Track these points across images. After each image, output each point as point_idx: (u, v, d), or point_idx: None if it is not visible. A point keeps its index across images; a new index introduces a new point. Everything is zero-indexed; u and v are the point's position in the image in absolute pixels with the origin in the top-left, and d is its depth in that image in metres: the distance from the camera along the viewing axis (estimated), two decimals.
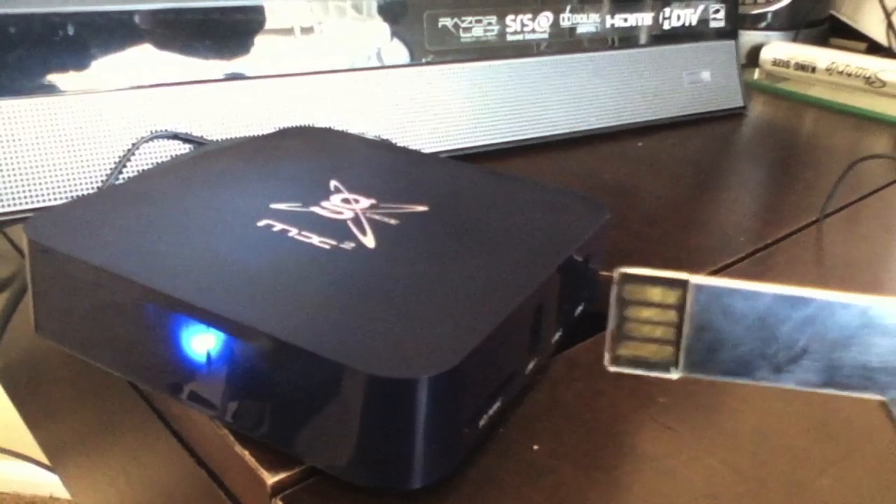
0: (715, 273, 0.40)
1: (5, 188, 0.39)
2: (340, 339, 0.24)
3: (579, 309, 0.34)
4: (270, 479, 0.25)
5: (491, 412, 0.27)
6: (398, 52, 0.50)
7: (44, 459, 0.55)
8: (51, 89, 0.40)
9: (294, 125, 0.43)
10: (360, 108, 0.49)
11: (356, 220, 0.32)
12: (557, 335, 0.32)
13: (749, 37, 0.79)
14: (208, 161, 0.37)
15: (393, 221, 0.32)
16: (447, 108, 0.52)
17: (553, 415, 0.29)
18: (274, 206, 0.32)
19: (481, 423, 0.26)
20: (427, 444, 0.24)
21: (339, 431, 0.24)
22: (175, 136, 0.43)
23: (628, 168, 0.54)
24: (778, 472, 0.26)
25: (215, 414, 0.26)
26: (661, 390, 0.30)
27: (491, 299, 0.27)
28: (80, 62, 0.41)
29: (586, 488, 0.25)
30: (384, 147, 0.41)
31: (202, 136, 0.44)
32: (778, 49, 0.77)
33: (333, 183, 0.35)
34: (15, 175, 0.40)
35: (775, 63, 0.77)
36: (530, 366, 0.29)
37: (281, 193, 0.33)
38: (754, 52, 0.79)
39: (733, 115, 0.67)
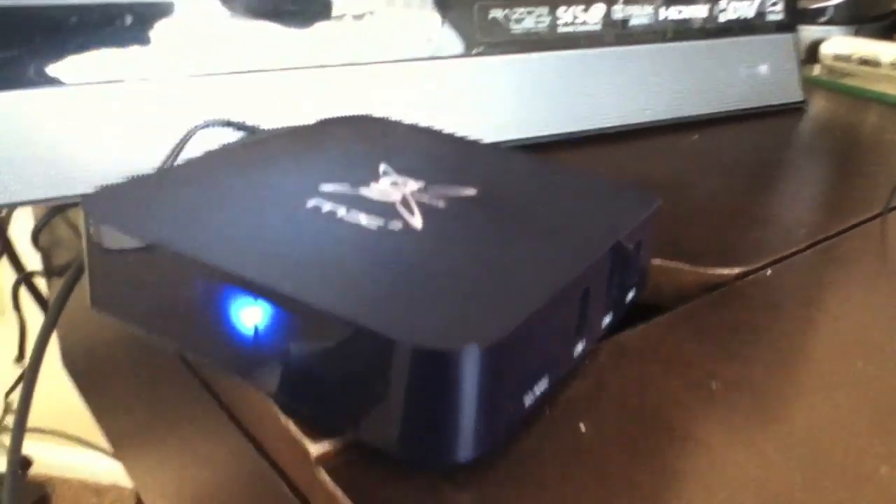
0: (773, 264, 0.39)
1: (67, 173, 0.40)
2: (385, 312, 0.24)
3: (630, 295, 0.33)
4: (315, 449, 0.25)
5: (538, 391, 0.27)
6: (449, 42, 0.50)
7: (107, 447, 0.56)
8: (112, 77, 0.41)
9: (342, 114, 0.43)
10: (409, 98, 0.49)
11: (404, 202, 0.32)
12: (607, 319, 0.31)
13: (808, 32, 0.77)
14: (257, 146, 0.38)
15: (441, 204, 0.32)
16: (497, 100, 0.52)
17: (600, 398, 0.28)
18: (324, 187, 0.33)
19: (527, 401, 0.26)
20: (470, 418, 0.24)
21: (383, 405, 0.24)
22: (228, 124, 0.44)
23: (682, 161, 0.53)
24: (834, 461, 0.25)
25: (263, 387, 0.27)
26: (713, 376, 0.29)
27: (538, 279, 0.27)
28: (139, 50, 0.42)
29: (631, 469, 0.25)
30: (431, 133, 0.41)
31: (254, 125, 0.44)
32: (839, 44, 0.75)
33: (382, 167, 0.35)
34: (77, 160, 0.41)
35: (836, 58, 0.75)
36: (578, 348, 0.29)
37: (330, 176, 0.34)
38: (814, 48, 0.77)
39: (793, 110, 0.65)
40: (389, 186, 0.33)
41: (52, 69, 0.40)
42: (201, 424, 0.35)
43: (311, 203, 0.31)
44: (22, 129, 0.40)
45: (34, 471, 1.28)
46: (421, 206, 0.32)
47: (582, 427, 0.26)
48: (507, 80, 0.52)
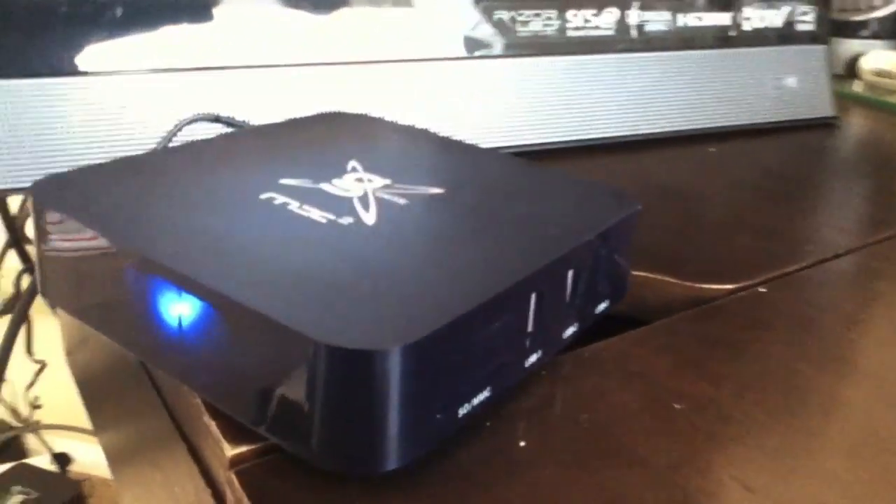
0: (770, 281, 0.36)
1: (52, 166, 0.40)
2: (305, 309, 0.23)
3: (602, 306, 0.31)
4: (230, 451, 0.23)
5: (475, 402, 0.25)
6: (452, 43, 0.49)
7: None
8: (100, 69, 0.41)
9: (331, 111, 0.42)
10: (410, 99, 0.48)
11: (363, 198, 0.30)
12: (570, 330, 0.29)
13: (848, 45, 0.74)
14: (232, 140, 0.37)
15: (402, 201, 0.30)
16: (503, 104, 0.50)
17: (549, 412, 0.26)
18: (283, 181, 0.31)
19: (461, 411, 0.24)
20: (392, 425, 0.22)
21: (300, 409, 0.22)
22: (217, 119, 0.43)
23: (694, 173, 0.51)
24: (800, 493, 0.23)
25: (192, 385, 0.25)
26: (679, 395, 0.27)
27: (478, 280, 0.25)
28: (132, 41, 0.42)
29: (565, 488, 0.23)
30: (419, 134, 0.39)
31: (245, 121, 0.44)
32: (880, 58, 0.71)
33: (352, 163, 0.34)
34: (63, 153, 0.41)
35: (877, 73, 0.71)
36: (531, 358, 0.27)
37: (294, 170, 0.33)
38: (854, 63, 0.74)
39: (823, 126, 0.62)
40: (353, 182, 0.32)
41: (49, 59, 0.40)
42: (160, 440, 0.34)
43: (264, 196, 0.30)
44: (35, 116, 0.40)
45: (73, 468, 1.29)
46: (380, 202, 0.30)
47: (521, 443, 0.25)
48: (512, 83, 0.50)
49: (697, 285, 0.35)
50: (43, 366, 0.70)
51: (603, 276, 0.31)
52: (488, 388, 0.25)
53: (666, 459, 0.24)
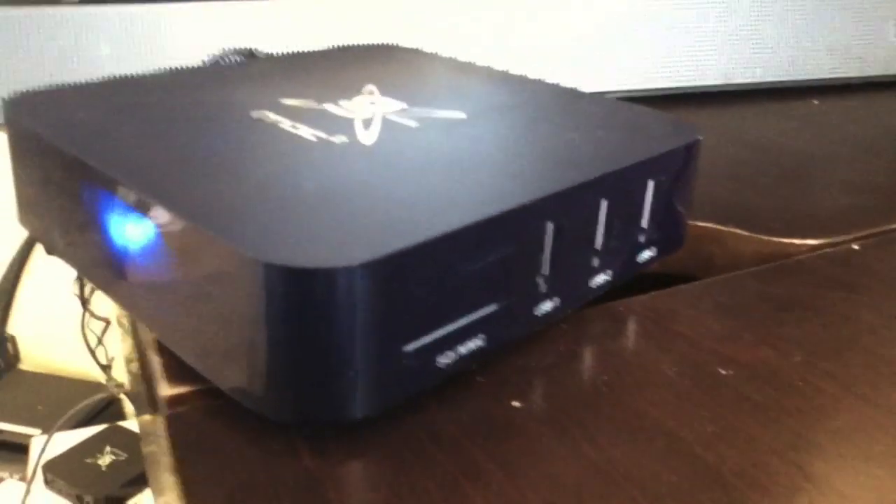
0: (865, 239, 0.30)
1: None
2: (243, 222, 0.19)
3: (647, 255, 0.26)
4: (167, 390, 0.20)
5: (462, 351, 0.20)
6: None
7: None
8: None
9: (383, 43, 0.38)
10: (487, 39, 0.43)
11: (368, 120, 0.26)
12: (602, 278, 0.24)
13: None
14: (255, 63, 0.34)
15: (413, 124, 0.26)
16: (583, 48, 0.45)
17: (557, 372, 0.21)
18: (285, 101, 0.28)
19: (442, 359, 0.20)
20: (346, 366, 0.18)
21: (236, 342, 0.19)
22: (252, 55, 0.40)
23: (792, 127, 0.44)
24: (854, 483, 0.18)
25: (137, 314, 0.22)
26: (729, 361, 0.22)
27: (472, 202, 0.20)
28: None
29: (560, 463, 0.18)
30: (467, 67, 0.35)
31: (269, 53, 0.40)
32: None
33: (370, 87, 0.30)
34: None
35: None
36: (545, 307, 0.23)
37: (302, 91, 0.29)
38: None
39: None
40: (364, 104, 0.28)
41: None
42: None
43: (255, 114, 0.26)
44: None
45: None
46: (387, 124, 0.26)
47: (515, 403, 0.20)
48: (589, 26, 0.45)
49: (775, 239, 0.30)
50: (107, 323, 0.69)
51: (649, 217, 0.26)
52: (481, 337, 0.21)
53: (698, 434, 0.19)
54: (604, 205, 0.24)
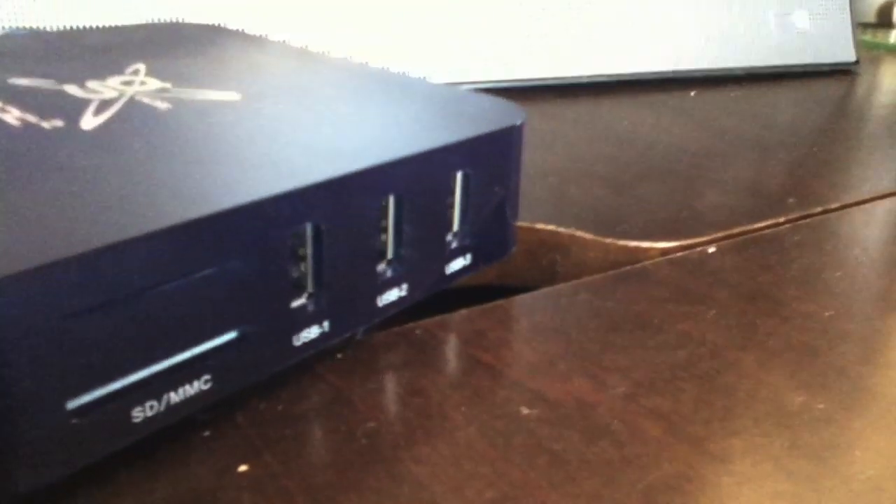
0: (727, 239, 0.26)
1: None
2: None
3: (458, 263, 0.22)
4: None
5: (174, 398, 0.15)
6: None
7: None
8: None
9: (177, 20, 0.33)
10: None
11: (106, 102, 0.21)
12: (392, 294, 0.20)
13: None
14: (12, 39, 0.28)
15: (164, 106, 0.21)
16: (439, 37, 0.41)
17: (309, 420, 0.17)
18: (14, 80, 0.22)
19: (136, 416, 0.15)
20: None
21: None
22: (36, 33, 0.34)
23: (662, 119, 0.41)
24: None
25: None
26: (523, 397, 0.17)
27: (177, 203, 0.15)
28: None
29: None
30: (272, 45, 0.30)
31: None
32: None
33: (136, 66, 0.25)
34: None
35: None
36: (308, 333, 0.18)
37: (48, 70, 0.24)
38: (888, 10, 0.62)
39: (840, 73, 0.51)
40: (116, 84, 0.23)
41: None
42: None
43: None
44: None
45: None
46: (133, 106, 0.21)
47: (243, 468, 0.15)
48: (454, 18, 0.41)
49: (621, 243, 0.25)
50: None
51: (459, 217, 0.21)
52: (207, 377, 0.16)
53: (469, 503, 0.14)
54: (390, 201, 0.19)
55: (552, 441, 0.16)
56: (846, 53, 0.51)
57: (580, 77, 0.44)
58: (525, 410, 0.17)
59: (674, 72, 0.46)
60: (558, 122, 0.39)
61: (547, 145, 0.35)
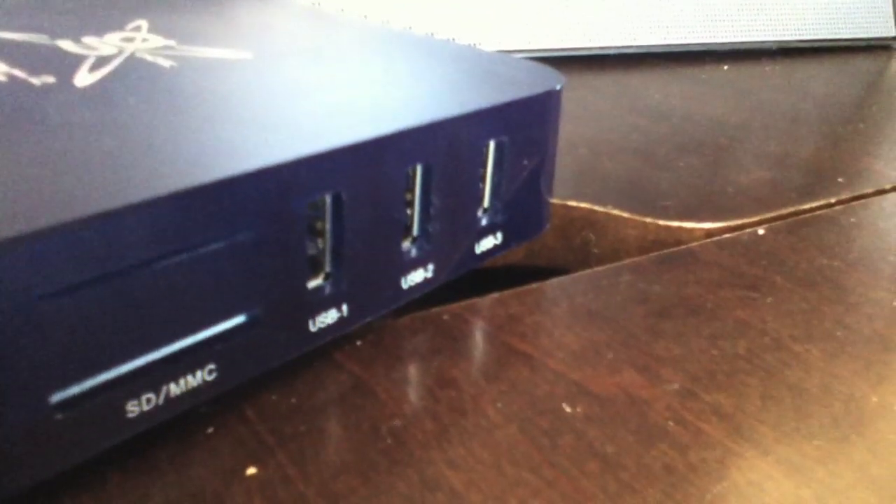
0: (776, 221, 0.24)
1: None
2: None
3: (489, 241, 0.20)
4: None
5: (175, 390, 0.13)
6: None
7: None
8: None
9: None
10: None
11: (104, 58, 0.19)
12: (417, 275, 0.18)
13: None
14: None
15: (167, 63, 0.19)
16: (482, 5, 0.39)
17: (328, 415, 0.15)
18: (3, 34, 0.20)
19: (130, 410, 0.13)
20: None
21: None
22: None
23: (695, 91, 0.39)
24: None
25: None
26: (572, 397, 0.15)
27: (174, 169, 0.13)
28: None
29: None
30: (291, 5, 0.28)
31: None
32: None
33: (138, 22, 0.23)
34: None
35: None
36: (325, 317, 0.16)
37: (37, 25, 0.22)
38: None
39: (877, 49, 0.49)
40: (116, 41, 0.21)
41: None
42: None
43: None
44: None
45: None
46: (132, 63, 0.19)
47: (252, 470, 0.13)
48: None
49: (662, 223, 0.23)
50: None
51: (491, 191, 0.19)
52: (212, 366, 0.14)
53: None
54: (418, 170, 0.17)
55: (604, 443, 0.14)
56: (885, 28, 0.48)
57: (608, 48, 0.42)
58: (568, 409, 0.15)
59: (705, 44, 0.44)
60: (588, 92, 0.37)
61: (577, 116, 0.33)
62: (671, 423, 0.15)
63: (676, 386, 0.16)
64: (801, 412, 0.15)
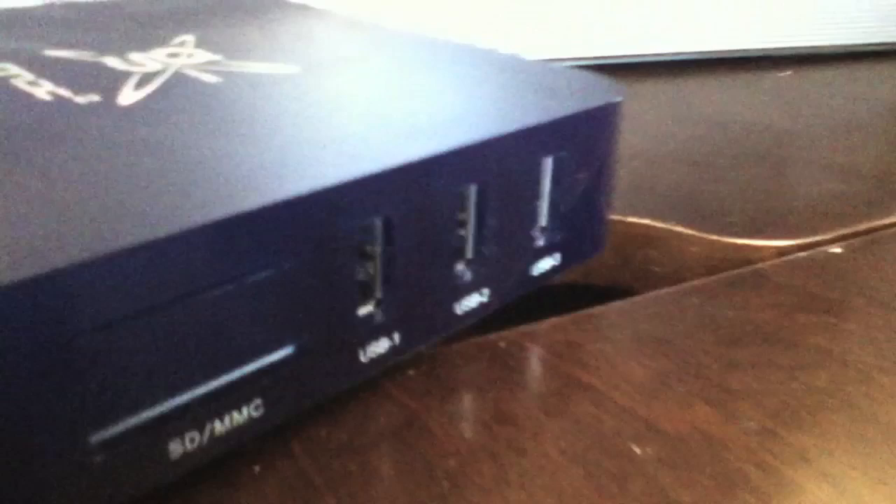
0: (852, 238, 0.22)
1: None
2: None
3: (546, 263, 0.19)
4: None
5: (219, 428, 0.13)
6: None
7: None
8: None
9: None
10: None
11: (149, 75, 0.19)
12: (472, 300, 0.17)
13: None
14: (62, 7, 0.26)
15: (213, 79, 0.18)
16: (524, 14, 0.38)
17: (378, 453, 0.14)
18: (50, 51, 0.20)
19: (173, 450, 0.12)
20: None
21: None
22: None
23: (755, 99, 0.37)
24: None
25: None
26: (635, 428, 0.14)
27: (218, 194, 0.13)
28: None
29: None
30: (339, 18, 0.27)
31: None
32: None
33: (183, 38, 0.22)
34: None
35: None
36: (376, 347, 0.15)
37: (83, 41, 0.21)
38: None
39: None
40: (161, 56, 0.20)
41: None
42: None
43: None
44: None
45: None
46: (178, 79, 0.18)
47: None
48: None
49: (729, 241, 0.22)
50: None
51: (548, 210, 0.18)
52: (258, 402, 0.13)
53: None
54: (472, 191, 0.16)
55: (679, 490, 0.13)
56: None
57: (661, 55, 0.40)
58: (636, 449, 0.14)
59: (763, 49, 0.42)
60: (640, 101, 0.36)
61: (628, 127, 0.32)
62: (752, 467, 0.13)
63: (755, 424, 0.14)
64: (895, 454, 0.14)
